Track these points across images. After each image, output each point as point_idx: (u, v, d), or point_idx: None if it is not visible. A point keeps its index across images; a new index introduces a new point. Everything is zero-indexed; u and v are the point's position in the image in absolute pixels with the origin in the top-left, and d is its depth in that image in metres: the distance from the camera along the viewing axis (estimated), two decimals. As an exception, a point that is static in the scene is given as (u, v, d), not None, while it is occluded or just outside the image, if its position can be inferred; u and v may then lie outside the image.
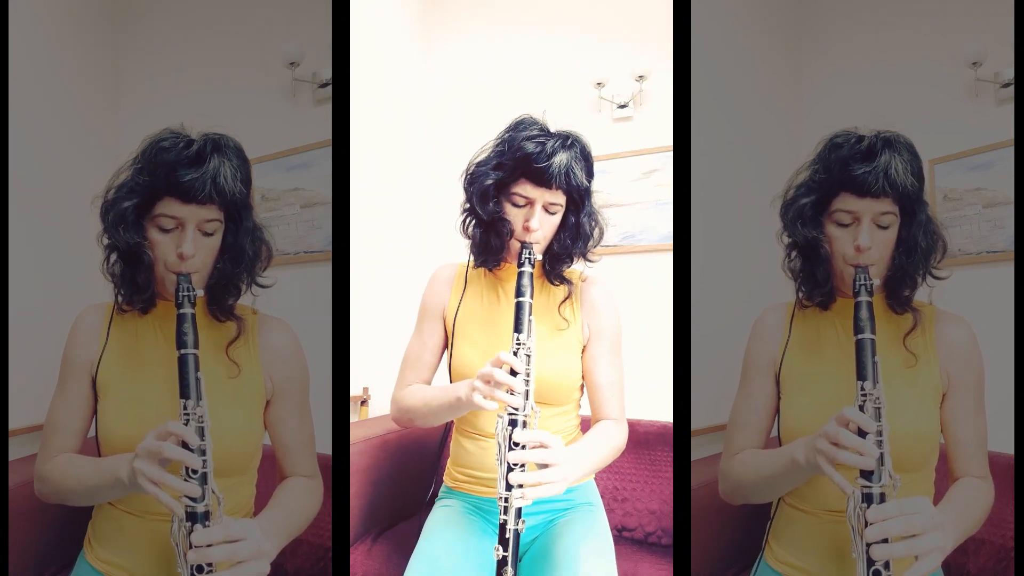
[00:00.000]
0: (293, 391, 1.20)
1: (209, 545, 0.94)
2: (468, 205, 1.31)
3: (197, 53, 2.01)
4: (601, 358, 1.33)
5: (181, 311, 1.02)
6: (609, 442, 1.28)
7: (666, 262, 2.32)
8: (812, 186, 1.11)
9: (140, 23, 2.08)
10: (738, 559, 1.40)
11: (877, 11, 2.16)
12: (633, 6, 2.46)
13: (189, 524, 0.95)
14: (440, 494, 1.44)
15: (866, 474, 0.95)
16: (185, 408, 0.98)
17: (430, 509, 1.42)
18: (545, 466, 1.08)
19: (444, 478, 1.44)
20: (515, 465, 1.08)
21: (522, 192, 1.24)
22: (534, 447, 1.09)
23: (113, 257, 1.10)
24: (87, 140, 1.91)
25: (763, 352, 1.22)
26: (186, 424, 0.97)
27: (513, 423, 1.10)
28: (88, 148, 1.89)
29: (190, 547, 0.94)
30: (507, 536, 1.07)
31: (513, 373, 1.11)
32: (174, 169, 1.02)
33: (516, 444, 1.09)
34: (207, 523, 0.95)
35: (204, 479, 0.96)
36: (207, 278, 1.10)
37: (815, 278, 1.13)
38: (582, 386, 1.38)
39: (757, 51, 2.23)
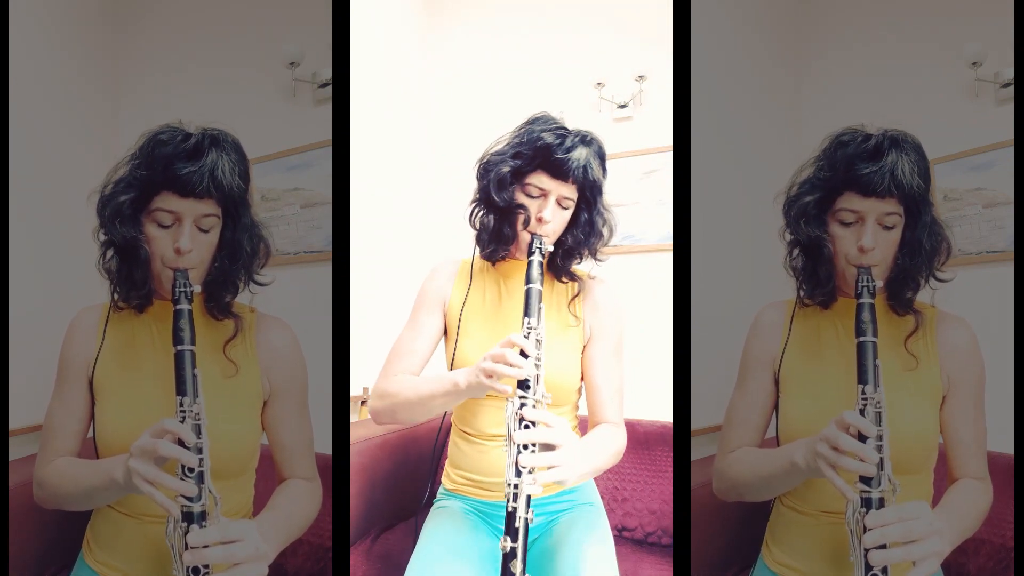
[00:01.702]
0: (291, 392, 1.19)
1: (205, 546, 0.92)
2: (481, 194, 1.30)
3: (197, 53, 2.01)
4: (601, 359, 1.32)
5: (178, 307, 1.00)
6: (609, 446, 1.26)
7: (666, 262, 2.32)
8: (816, 184, 1.10)
9: (140, 23, 2.08)
10: (738, 559, 1.40)
11: (877, 11, 2.16)
12: (633, 6, 2.46)
13: (185, 524, 0.93)
14: (438, 495, 1.43)
15: (865, 479, 0.94)
16: (181, 405, 0.96)
17: (428, 510, 1.41)
18: (550, 448, 1.05)
19: (442, 479, 1.44)
20: (524, 447, 1.04)
21: (537, 183, 1.25)
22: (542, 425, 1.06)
23: (109, 253, 1.08)
24: (87, 141, 1.91)
25: (762, 350, 1.21)
26: (182, 421, 0.95)
27: (524, 406, 1.07)
28: (88, 149, 1.89)
29: (186, 548, 0.92)
30: (516, 525, 1.02)
31: (524, 356, 1.09)
32: (171, 163, 1.01)
33: (525, 425, 1.05)
34: (204, 523, 0.93)
35: (200, 478, 0.93)
36: (204, 275, 1.09)
37: (817, 277, 1.12)
38: (581, 387, 1.37)
39: (757, 51, 2.23)
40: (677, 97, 1.42)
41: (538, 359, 1.10)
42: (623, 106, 2.45)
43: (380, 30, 2.51)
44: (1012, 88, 1.84)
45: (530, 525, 1.03)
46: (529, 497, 1.03)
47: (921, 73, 2.05)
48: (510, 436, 1.06)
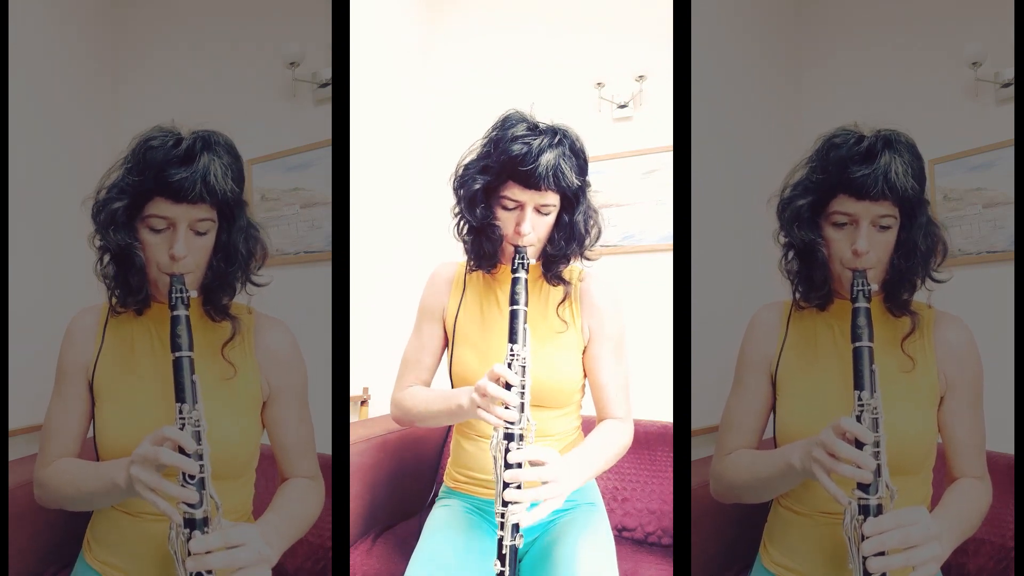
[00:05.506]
0: (291, 392, 1.19)
1: (208, 552, 0.92)
2: (458, 209, 1.27)
3: (197, 53, 2.01)
4: (603, 358, 1.31)
5: (174, 313, 1.01)
6: (613, 444, 1.26)
7: (666, 262, 2.32)
8: (809, 186, 1.09)
9: (139, 23, 2.08)
10: (738, 559, 1.40)
11: (877, 11, 2.16)
12: (633, 6, 2.46)
13: (187, 530, 0.93)
14: (440, 494, 1.44)
15: (863, 486, 0.94)
16: (180, 412, 0.97)
17: (430, 510, 1.41)
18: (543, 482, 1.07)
19: (444, 478, 1.44)
20: (511, 483, 1.07)
21: (511, 195, 1.20)
22: (531, 463, 1.07)
23: (106, 258, 1.09)
24: (87, 141, 1.91)
25: (758, 352, 1.20)
26: (182, 428, 0.96)
27: (509, 437, 1.09)
28: (88, 149, 1.89)
29: (188, 554, 0.93)
30: (504, 552, 1.06)
31: (508, 386, 1.10)
32: (163, 168, 1.01)
33: (510, 465, 1.07)
34: (206, 529, 0.94)
35: (202, 484, 0.94)
36: (201, 278, 1.10)
37: (812, 280, 1.11)
38: (583, 387, 1.36)
39: (757, 51, 2.23)
40: (677, 97, 1.42)
41: (523, 387, 1.10)
42: (623, 106, 2.45)
43: (380, 30, 2.51)
44: (1012, 88, 1.84)
45: (519, 548, 1.07)
46: (517, 525, 1.06)
47: (921, 73, 2.05)
48: (497, 470, 1.08)
